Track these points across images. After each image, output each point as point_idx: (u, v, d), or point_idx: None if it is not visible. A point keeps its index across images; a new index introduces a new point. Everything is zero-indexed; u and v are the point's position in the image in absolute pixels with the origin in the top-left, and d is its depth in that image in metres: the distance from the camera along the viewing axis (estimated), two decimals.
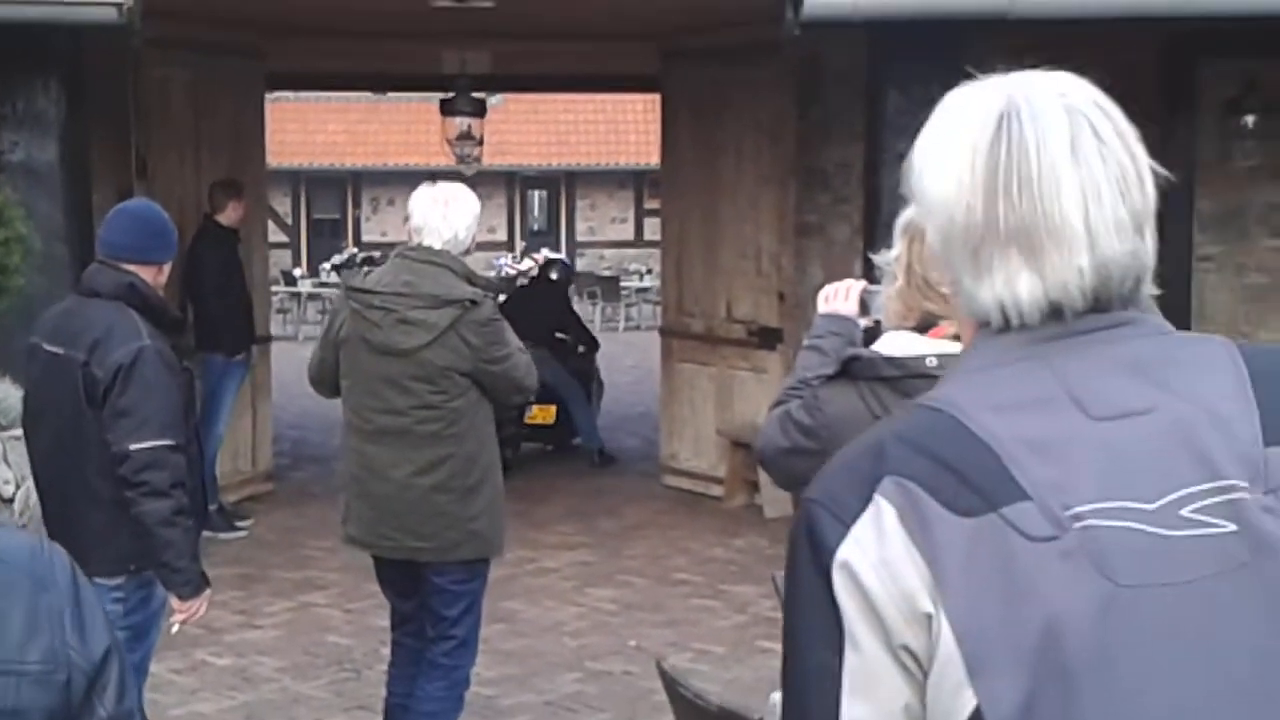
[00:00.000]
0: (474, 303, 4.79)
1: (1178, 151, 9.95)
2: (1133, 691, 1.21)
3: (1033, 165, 1.34)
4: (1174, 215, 9.96)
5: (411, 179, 26.03)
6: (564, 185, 32.70)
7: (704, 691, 3.57)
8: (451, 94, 11.16)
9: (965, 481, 1.26)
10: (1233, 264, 9.87)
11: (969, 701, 1.22)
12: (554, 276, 12.37)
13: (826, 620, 1.28)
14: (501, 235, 31.44)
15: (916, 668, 1.25)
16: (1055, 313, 1.35)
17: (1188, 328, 8.71)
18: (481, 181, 29.30)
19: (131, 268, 4.44)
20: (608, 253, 31.52)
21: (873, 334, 3.27)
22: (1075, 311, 1.34)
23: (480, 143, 11.45)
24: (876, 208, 8.67)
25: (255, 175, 10.21)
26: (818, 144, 9.74)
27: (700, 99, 10.06)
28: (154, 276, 4.50)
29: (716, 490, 9.95)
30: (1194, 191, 10.00)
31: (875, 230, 8.70)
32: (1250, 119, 9.65)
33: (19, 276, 6.79)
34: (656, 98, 11.23)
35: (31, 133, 7.66)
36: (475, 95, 11.16)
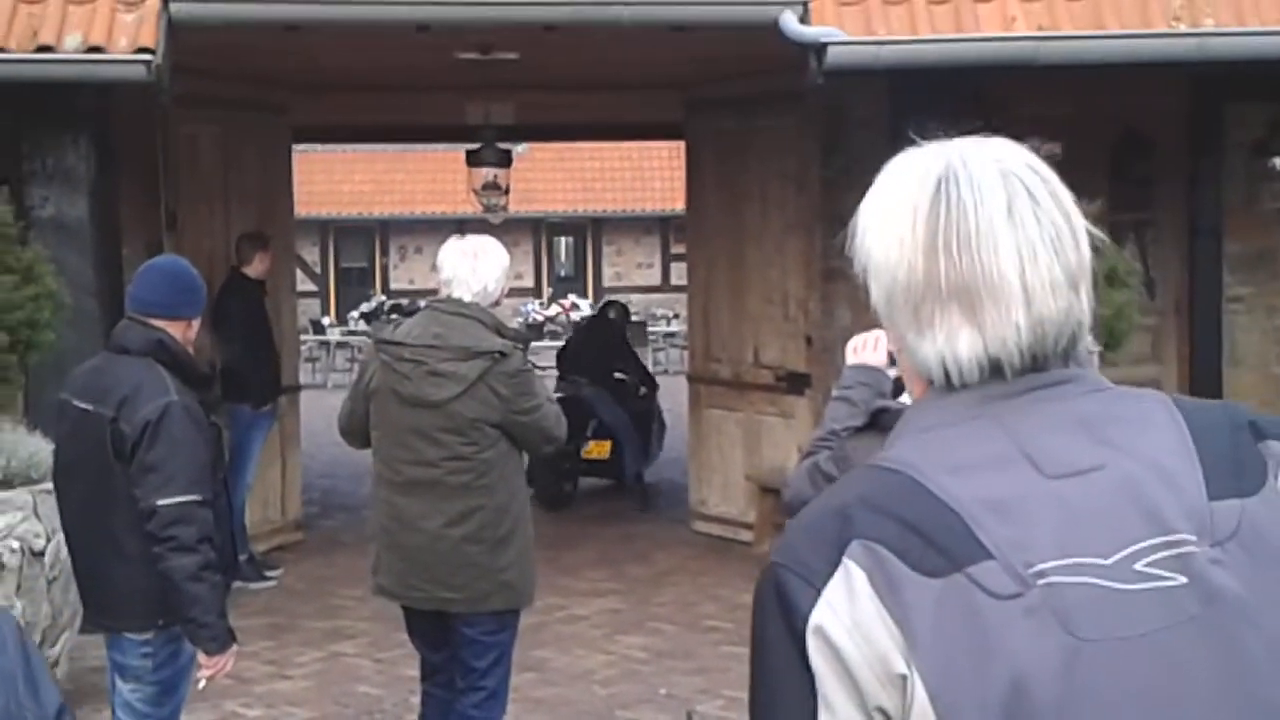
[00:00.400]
0: (503, 354, 4.81)
1: (1206, 194, 9.94)
2: None
3: (971, 225, 1.38)
4: (1204, 258, 9.93)
5: (438, 227, 26.22)
6: (590, 231, 32.80)
7: None
8: (477, 145, 11.23)
9: (930, 543, 1.28)
10: (1263, 305, 9.81)
11: None
12: (612, 316, 12.63)
13: (800, 684, 1.28)
14: (528, 281, 31.54)
15: None
16: (995, 370, 1.38)
17: (1219, 370, 8.68)
18: (508, 228, 29.37)
19: (160, 324, 4.47)
20: (634, 298, 31.59)
21: (902, 385, 3.27)
22: (1014, 368, 1.38)
23: (506, 192, 11.49)
24: None
25: (283, 226, 10.28)
26: (842, 191, 9.73)
27: (724, 146, 10.10)
28: (183, 332, 4.54)
29: (746, 535, 9.92)
30: (1223, 234, 9.96)
31: None
32: (1278, 161, 9.62)
33: (49, 331, 6.84)
34: (681, 144, 11.28)
35: (61, 189, 7.73)
36: (501, 145, 11.23)
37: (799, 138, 9.51)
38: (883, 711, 1.26)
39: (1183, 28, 7.62)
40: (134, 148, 8.86)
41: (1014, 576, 1.27)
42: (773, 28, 7.43)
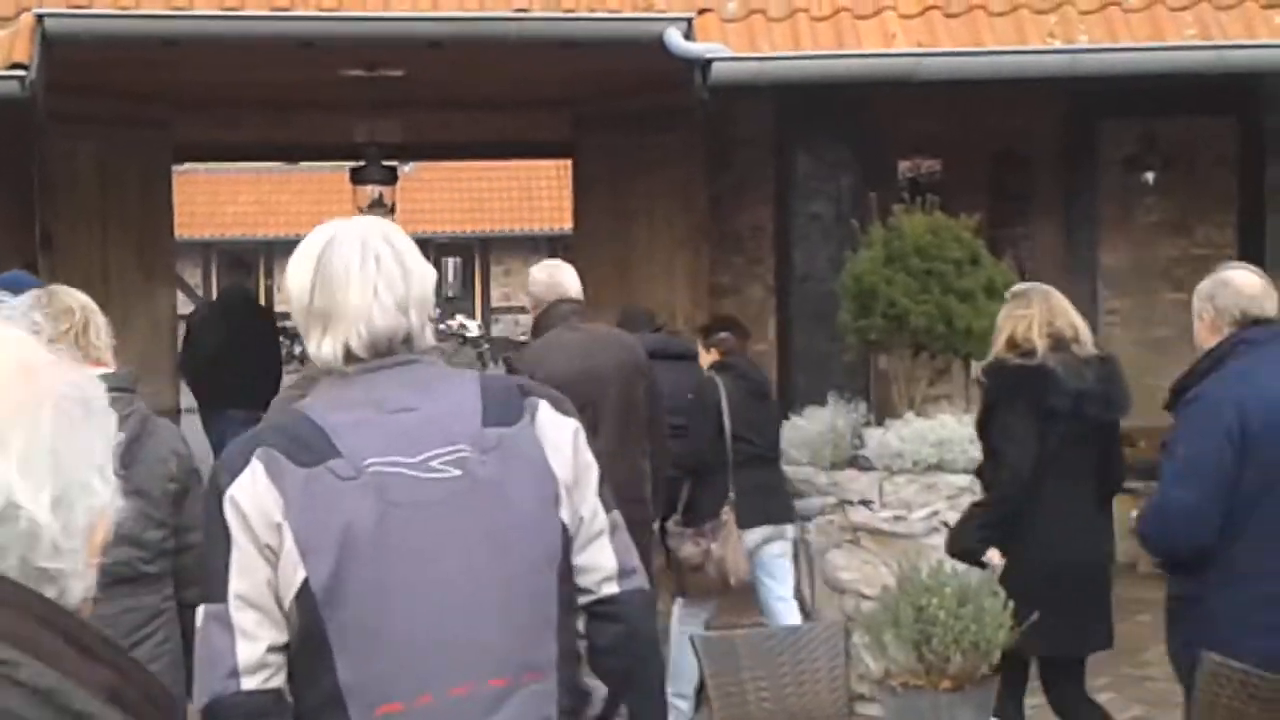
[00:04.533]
0: None
1: (1082, 209, 10.18)
2: (395, 562, 2.16)
3: (333, 274, 2.28)
4: (1079, 270, 10.16)
5: None
6: (478, 251, 32.69)
7: None
8: (362, 163, 11.16)
9: (306, 448, 2.18)
10: (1138, 318, 10.05)
11: (302, 574, 2.13)
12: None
13: (223, 533, 2.16)
14: None
15: (273, 556, 2.14)
16: (351, 358, 2.28)
17: None
18: None
19: None
20: (523, 318, 31.52)
21: None
22: (361, 356, 2.28)
23: (392, 210, 11.42)
24: (789, 268, 8.76)
25: (164, 247, 10.11)
26: (730, 208, 9.83)
27: (612, 164, 10.12)
28: None
29: None
30: (1097, 248, 10.20)
31: (788, 290, 8.79)
32: (1150, 175, 9.88)
33: None
34: (569, 164, 11.28)
35: None
36: (387, 164, 11.16)
37: (687, 155, 9.57)
38: (270, 548, 2.13)
39: (1057, 44, 7.80)
40: (8, 167, 8.67)
41: (354, 468, 2.16)
42: (658, 44, 7.48)
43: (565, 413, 2.38)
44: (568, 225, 13.71)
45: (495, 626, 2.20)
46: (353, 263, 2.30)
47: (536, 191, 30.37)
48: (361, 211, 11.01)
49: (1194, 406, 4.06)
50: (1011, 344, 4.84)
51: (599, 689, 2.37)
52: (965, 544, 4.66)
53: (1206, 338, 4.18)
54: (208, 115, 10.43)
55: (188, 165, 20.31)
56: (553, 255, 32.42)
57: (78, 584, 0.94)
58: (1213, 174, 10.07)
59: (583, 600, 2.34)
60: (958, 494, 6.32)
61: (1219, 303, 4.14)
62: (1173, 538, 4.04)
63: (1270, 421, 3.92)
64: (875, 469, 6.64)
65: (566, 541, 2.28)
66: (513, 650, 2.21)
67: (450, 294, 33.10)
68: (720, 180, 9.76)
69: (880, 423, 6.95)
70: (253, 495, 2.15)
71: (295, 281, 2.33)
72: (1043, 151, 10.14)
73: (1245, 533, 3.89)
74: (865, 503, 6.55)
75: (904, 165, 10.26)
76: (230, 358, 9.39)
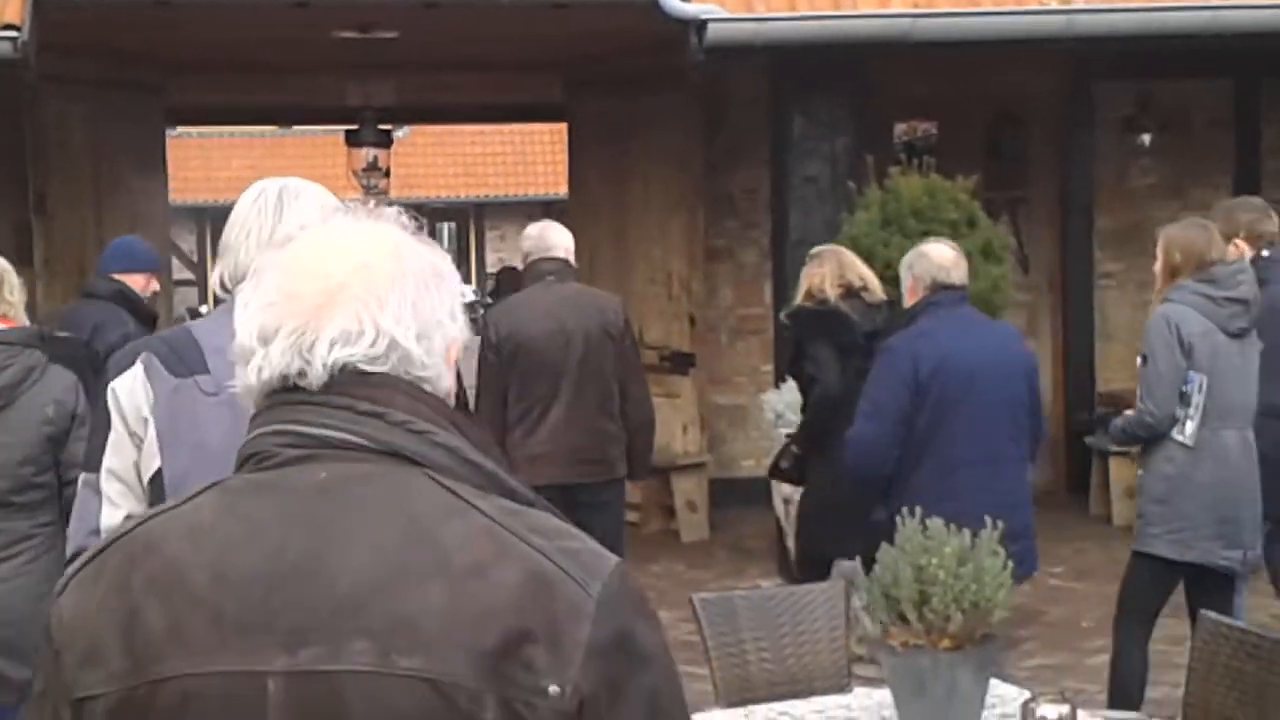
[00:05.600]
0: None
1: (1078, 171, 10.15)
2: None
3: (232, 218, 2.76)
4: (1075, 233, 10.14)
5: None
6: (473, 217, 32.60)
7: None
8: (356, 126, 11.10)
9: (181, 360, 2.61)
10: (1134, 280, 10.03)
11: (157, 463, 2.58)
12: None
13: (105, 416, 2.63)
14: None
15: (139, 443, 2.60)
16: (237, 287, 2.53)
17: (1092, 344, 8.82)
18: None
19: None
20: None
21: None
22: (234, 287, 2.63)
23: (387, 174, 11.38)
24: (784, 231, 8.75)
25: (158, 210, 10.07)
26: (725, 170, 9.79)
27: (607, 127, 10.07)
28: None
29: (633, 516, 9.92)
30: (1094, 210, 10.19)
31: (783, 253, 8.78)
32: (1146, 138, 9.85)
33: None
34: (563, 128, 11.23)
35: None
36: (381, 127, 11.10)
37: (682, 117, 9.52)
38: (137, 435, 2.60)
39: (1053, 4, 7.77)
40: (0, 130, 8.62)
41: (217, 385, 2.50)
42: (652, 5, 7.45)
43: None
44: (563, 190, 13.68)
45: None
46: (243, 206, 2.76)
47: (531, 156, 30.26)
48: (357, 175, 10.99)
49: (884, 356, 4.86)
50: (809, 295, 5.72)
51: None
52: (782, 461, 5.86)
53: (909, 299, 4.92)
54: (201, 78, 10.37)
55: (180, 130, 20.22)
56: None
57: (441, 384, 1.44)
58: (1209, 136, 10.05)
59: None
60: None
61: (916, 271, 4.87)
62: (861, 465, 4.83)
63: (940, 369, 4.69)
64: None
65: None
66: None
67: None
68: (715, 143, 9.72)
69: None
70: (130, 391, 2.63)
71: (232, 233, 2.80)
72: (1039, 114, 10.10)
73: (922, 463, 4.68)
74: None
75: (900, 128, 10.23)
76: None
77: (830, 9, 7.65)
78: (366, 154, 10.86)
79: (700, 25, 7.38)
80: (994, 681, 3.56)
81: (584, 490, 5.49)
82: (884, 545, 3.58)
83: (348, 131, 11.25)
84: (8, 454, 4.00)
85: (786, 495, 6.56)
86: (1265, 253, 5.50)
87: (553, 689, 1.27)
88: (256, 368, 1.40)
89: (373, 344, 1.38)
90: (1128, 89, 9.86)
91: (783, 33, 7.58)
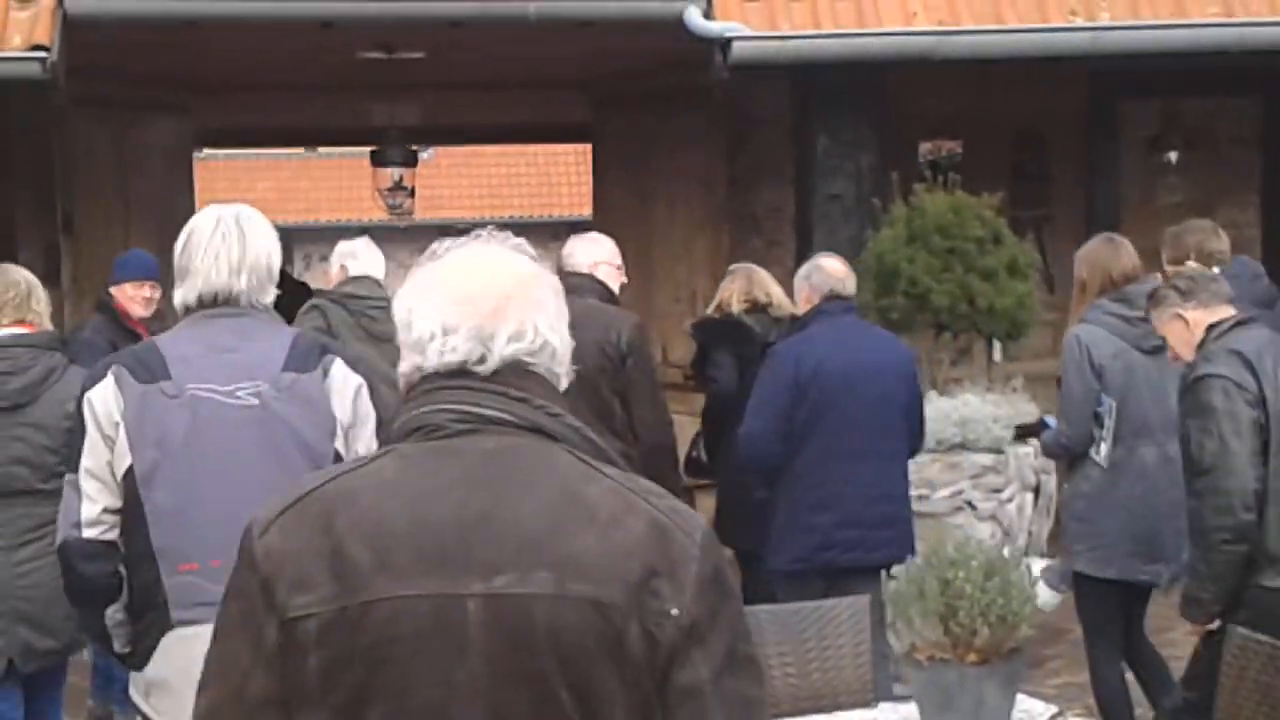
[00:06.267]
0: None
1: (1103, 190, 10.11)
2: (199, 462, 3.06)
3: (193, 245, 3.18)
4: None
5: (344, 235, 25.94)
6: None
7: None
8: (381, 147, 11.16)
9: (146, 369, 3.09)
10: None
11: (128, 460, 3.05)
12: None
13: (81, 423, 3.10)
14: None
15: (111, 444, 3.06)
16: (203, 305, 3.18)
17: None
18: (414, 235, 29.10)
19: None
20: None
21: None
22: (206, 305, 3.18)
23: (412, 194, 11.41)
24: (808, 249, 8.73)
25: None
26: (749, 189, 9.80)
27: (631, 147, 10.09)
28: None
29: None
30: (1119, 228, 10.11)
31: None
32: (1172, 156, 9.82)
33: None
34: (587, 150, 11.26)
35: None
36: (407, 148, 11.15)
37: (706, 136, 9.54)
38: (109, 437, 3.05)
39: (1079, 22, 7.75)
40: (30, 150, 8.69)
41: (178, 389, 3.06)
42: (677, 23, 7.46)
43: (356, 370, 3.19)
44: (587, 212, 13.70)
45: None
46: (205, 233, 3.19)
47: (555, 178, 30.35)
48: (382, 194, 11.03)
49: (770, 359, 5.39)
50: (719, 308, 6.29)
51: None
52: (693, 451, 6.40)
53: (803, 307, 5.47)
54: (228, 100, 10.44)
55: (207, 151, 20.32)
56: None
57: (562, 381, 1.83)
58: (1235, 153, 10.00)
59: None
60: (981, 473, 6.31)
61: (814, 281, 5.41)
62: (751, 457, 5.35)
63: (818, 371, 5.18)
64: None
65: None
66: None
67: None
68: (739, 162, 9.73)
69: None
70: (103, 399, 3.07)
71: (176, 247, 3.25)
72: (1064, 132, 10.08)
73: (800, 453, 5.16)
74: None
75: (924, 147, 10.21)
76: None
77: (855, 26, 7.65)
78: (392, 174, 10.91)
79: (725, 44, 7.39)
80: (1020, 696, 3.54)
81: None
82: (910, 560, 3.57)
83: (373, 152, 11.30)
84: (36, 445, 4.47)
85: None
86: (1216, 269, 5.54)
87: (674, 611, 1.66)
88: (439, 351, 1.76)
89: (532, 343, 1.78)
90: (1153, 107, 9.84)
91: (807, 51, 7.58)
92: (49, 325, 4.71)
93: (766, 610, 4.32)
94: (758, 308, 6.19)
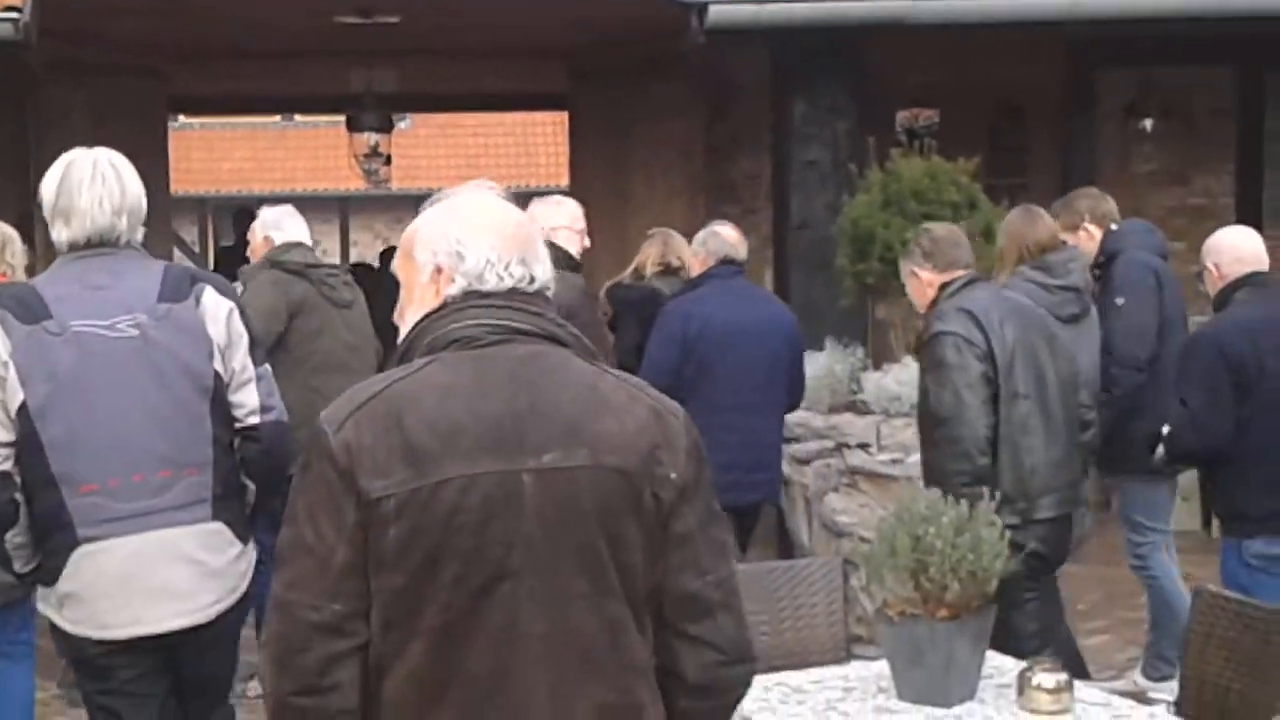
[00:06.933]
0: None
1: (1079, 158, 10.14)
2: (89, 393, 3.30)
3: (72, 185, 3.41)
4: None
5: (320, 205, 25.85)
6: None
7: None
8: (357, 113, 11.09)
9: (29, 310, 3.31)
10: None
11: (20, 396, 3.27)
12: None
13: None
14: None
15: (2, 382, 3.26)
16: (89, 245, 3.43)
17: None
18: (393, 205, 28.97)
19: None
20: None
21: None
22: (81, 244, 3.43)
23: (388, 161, 11.36)
24: (785, 217, 8.75)
25: (160, 200, 10.04)
26: (725, 157, 9.80)
27: (608, 115, 10.06)
28: None
29: None
30: None
31: (784, 238, 8.78)
32: (1148, 123, 9.85)
33: None
34: (565, 118, 11.22)
35: None
36: (383, 113, 11.09)
37: (683, 105, 9.52)
38: (1, 377, 3.27)
39: None
40: (3, 115, 8.63)
41: (61, 326, 3.30)
42: None
43: (226, 295, 3.45)
44: (563, 181, 13.66)
45: (160, 437, 3.34)
46: (85, 175, 3.40)
47: (533, 147, 30.25)
48: (358, 160, 10.98)
49: (661, 317, 5.74)
50: (636, 272, 6.58)
51: (252, 487, 3.52)
52: None
53: (697, 270, 5.84)
54: (202, 66, 10.37)
55: (183, 120, 20.20)
56: None
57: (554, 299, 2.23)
58: (1211, 123, 10.04)
59: (236, 426, 3.45)
60: None
61: (710, 246, 5.80)
62: None
63: (705, 328, 5.55)
64: (873, 413, 6.65)
65: (219, 384, 3.41)
66: (174, 452, 3.35)
67: None
68: (716, 130, 9.72)
69: (878, 367, 6.95)
70: None
71: (46, 187, 3.46)
72: (1040, 102, 10.10)
73: (687, 405, 5.00)
74: (863, 446, 6.56)
75: (902, 116, 10.22)
76: None
77: None
78: (368, 139, 10.86)
79: (702, 8, 7.38)
80: (990, 653, 3.56)
81: None
82: (881, 516, 3.59)
83: (349, 117, 11.24)
84: None
85: (785, 476, 6.56)
86: (1114, 227, 5.85)
87: (673, 475, 2.11)
88: (498, 276, 2.15)
89: (543, 273, 2.20)
90: (1129, 76, 9.86)
91: (784, 15, 7.58)
92: (24, 280, 4.63)
93: (741, 569, 4.33)
94: (670, 271, 6.44)
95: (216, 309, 3.41)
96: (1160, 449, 5.02)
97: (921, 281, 4.66)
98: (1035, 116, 10.12)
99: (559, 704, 2.04)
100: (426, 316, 2.14)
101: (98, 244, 3.37)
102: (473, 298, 2.12)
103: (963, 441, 4.38)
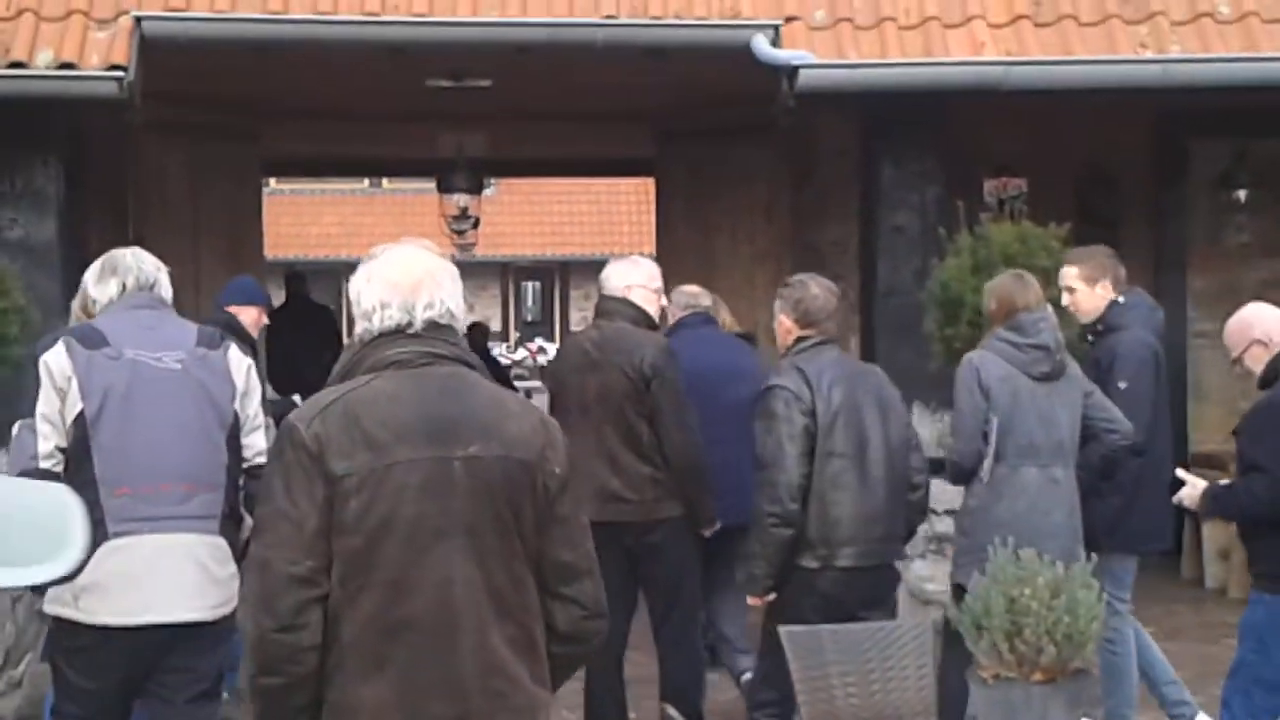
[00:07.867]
0: None
1: (1170, 229, 10.01)
2: (136, 410, 3.93)
3: (114, 255, 4.29)
4: (1168, 291, 9.96)
5: None
6: (558, 275, 32.80)
7: None
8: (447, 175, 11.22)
9: (90, 340, 3.96)
10: None
11: (79, 407, 3.89)
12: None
13: (37, 380, 3.93)
14: (496, 325, 31.48)
15: (63, 395, 3.89)
16: (139, 287, 4.13)
17: (1184, 404, 8.63)
18: (476, 272, 29.22)
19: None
20: None
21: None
22: (142, 289, 4.13)
23: (476, 224, 11.48)
24: (872, 282, 8.71)
25: (254, 261, 10.23)
26: (811, 221, 9.78)
27: (694, 179, 10.11)
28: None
29: None
30: (1187, 269, 10.03)
31: (872, 304, 8.73)
32: (1241, 194, 9.70)
33: (17, 347, 6.75)
34: (648, 187, 11.27)
35: (30, 210, 7.69)
36: (473, 175, 11.21)
37: (770, 168, 9.54)
38: (61, 390, 3.91)
39: (1148, 54, 7.70)
40: (103, 171, 8.83)
41: (118, 353, 3.94)
42: (745, 51, 7.48)
43: (245, 353, 4.15)
44: (647, 249, 13.72)
45: (188, 456, 3.95)
46: (124, 250, 4.23)
47: (616, 215, 30.44)
48: (447, 221, 11.11)
49: None
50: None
51: (248, 521, 3.89)
52: None
53: (670, 321, 6.31)
54: (295, 128, 10.56)
55: (273, 186, 20.55)
56: None
57: (461, 330, 2.86)
58: None
59: (245, 465, 4.06)
60: None
61: (675, 300, 6.36)
62: None
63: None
64: None
65: (236, 422, 4.06)
66: (197, 471, 3.96)
67: (529, 318, 33.27)
68: (803, 194, 9.72)
69: None
70: (56, 360, 3.90)
71: (92, 273, 4.23)
72: (1130, 171, 10.00)
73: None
74: (950, 512, 6.47)
75: (990, 184, 10.15)
76: (301, 352, 9.99)
77: (922, 56, 7.64)
78: (458, 201, 10.98)
79: (792, 72, 7.40)
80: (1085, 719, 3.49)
81: (626, 532, 5.43)
82: (975, 575, 3.54)
83: (439, 178, 11.38)
84: None
85: None
86: (1121, 299, 5.87)
87: (558, 470, 2.77)
88: (381, 318, 2.78)
89: (443, 311, 2.80)
90: (1221, 145, 9.73)
91: (875, 79, 7.58)
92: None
93: (829, 630, 4.28)
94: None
95: (239, 361, 4.11)
96: (1200, 506, 5.07)
97: (783, 327, 5.12)
98: (1125, 185, 10.01)
99: (481, 637, 2.64)
100: (364, 345, 2.78)
101: (147, 287, 4.11)
102: (384, 335, 2.76)
103: (777, 486, 4.84)
